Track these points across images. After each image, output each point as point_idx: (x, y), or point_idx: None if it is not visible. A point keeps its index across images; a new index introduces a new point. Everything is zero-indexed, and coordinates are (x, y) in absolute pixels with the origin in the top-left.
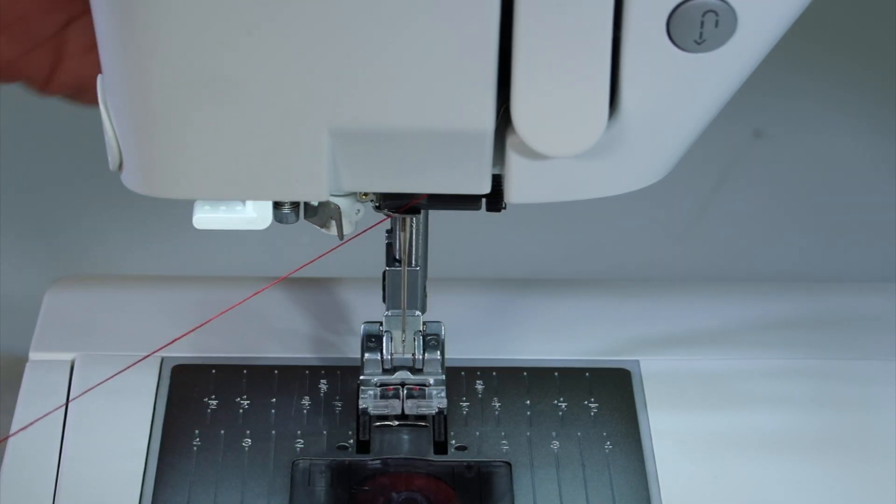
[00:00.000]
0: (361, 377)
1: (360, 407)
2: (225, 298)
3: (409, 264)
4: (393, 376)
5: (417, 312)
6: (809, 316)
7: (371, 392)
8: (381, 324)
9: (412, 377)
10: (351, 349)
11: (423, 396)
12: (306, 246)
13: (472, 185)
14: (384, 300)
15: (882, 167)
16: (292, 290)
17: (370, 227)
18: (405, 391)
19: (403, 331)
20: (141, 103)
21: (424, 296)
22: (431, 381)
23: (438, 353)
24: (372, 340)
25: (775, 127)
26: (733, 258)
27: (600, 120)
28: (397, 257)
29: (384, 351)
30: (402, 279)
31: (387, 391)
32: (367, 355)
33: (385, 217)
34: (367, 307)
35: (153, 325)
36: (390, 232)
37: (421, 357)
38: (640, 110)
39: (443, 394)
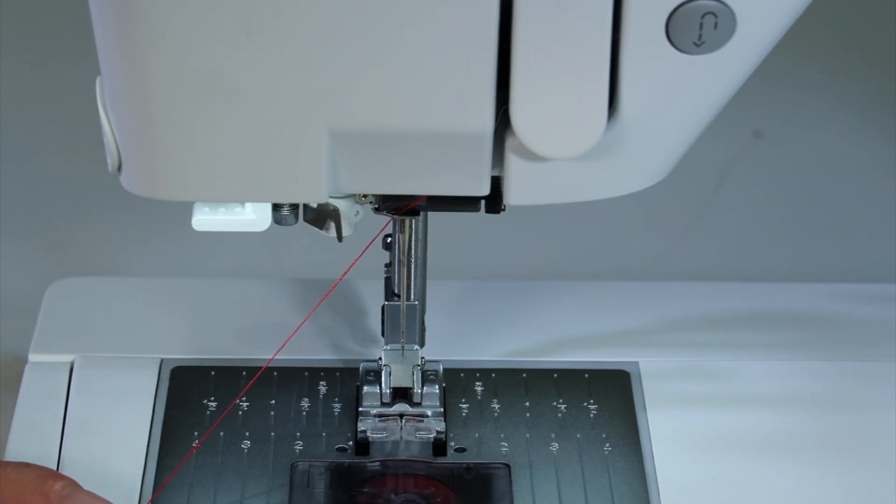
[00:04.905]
0: (360, 409)
1: (360, 430)
2: (225, 299)
3: (409, 268)
4: (391, 408)
5: (416, 346)
6: (809, 316)
7: (370, 421)
8: (379, 359)
9: (411, 409)
10: (350, 351)
11: (421, 424)
12: (306, 247)
13: (471, 187)
14: (383, 334)
15: (882, 167)
16: (291, 291)
17: (383, 228)
18: (403, 421)
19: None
20: (140, 105)
21: (423, 330)
22: (429, 414)
23: (437, 386)
24: (370, 375)
25: (775, 127)
26: (733, 258)
27: (599, 122)
28: (396, 291)
29: (383, 385)
30: (402, 313)
31: (386, 419)
32: (365, 388)
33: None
34: (367, 308)
35: (153, 326)
36: (388, 266)
37: (419, 391)
38: (640, 112)
39: (441, 423)
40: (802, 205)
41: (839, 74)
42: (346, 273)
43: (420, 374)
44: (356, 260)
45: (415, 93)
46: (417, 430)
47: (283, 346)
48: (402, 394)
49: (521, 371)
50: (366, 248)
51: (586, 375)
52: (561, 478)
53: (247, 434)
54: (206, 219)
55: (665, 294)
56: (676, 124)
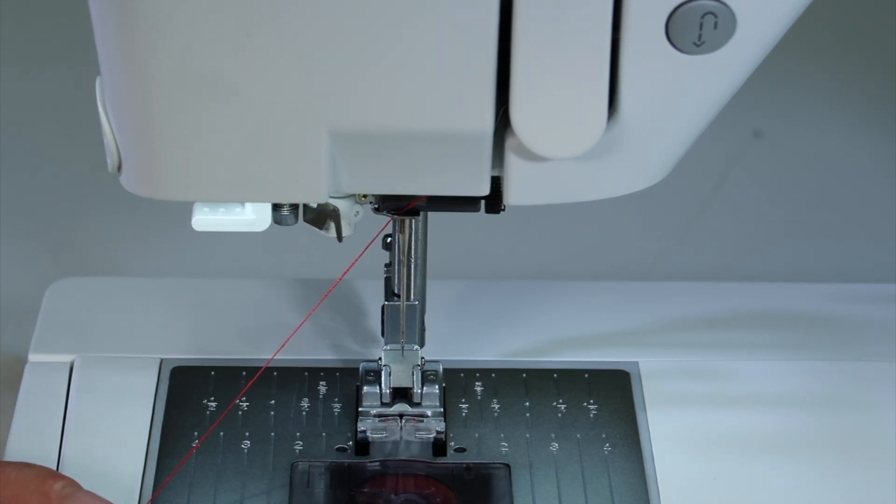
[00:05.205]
0: (360, 409)
1: (360, 430)
2: (225, 299)
3: (409, 268)
4: (391, 408)
5: (416, 346)
6: (809, 316)
7: (370, 421)
8: (379, 359)
9: (410, 409)
10: (350, 351)
11: (421, 424)
12: (306, 247)
13: (471, 187)
14: (383, 334)
15: (882, 167)
16: (291, 291)
17: (383, 228)
18: (403, 421)
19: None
20: (140, 105)
21: (423, 330)
22: (429, 414)
23: (437, 386)
24: (370, 375)
25: (775, 127)
26: (733, 258)
27: (599, 122)
28: (396, 291)
29: (382, 385)
30: (402, 313)
31: (386, 419)
32: (365, 388)
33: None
34: (367, 308)
35: (153, 326)
36: (388, 266)
37: (419, 391)
38: (639, 112)
39: (441, 423)
40: (802, 205)
41: (839, 74)
42: (346, 273)
43: (420, 374)
44: (356, 260)
45: (415, 93)
46: (417, 430)
47: (283, 346)
48: (402, 394)
49: (521, 371)
50: (366, 248)
51: (586, 375)
52: (561, 478)
53: (247, 434)
54: (206, 219)
55: (665, 294)
56: (676, 124)
